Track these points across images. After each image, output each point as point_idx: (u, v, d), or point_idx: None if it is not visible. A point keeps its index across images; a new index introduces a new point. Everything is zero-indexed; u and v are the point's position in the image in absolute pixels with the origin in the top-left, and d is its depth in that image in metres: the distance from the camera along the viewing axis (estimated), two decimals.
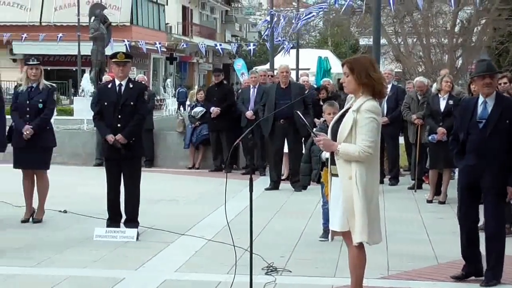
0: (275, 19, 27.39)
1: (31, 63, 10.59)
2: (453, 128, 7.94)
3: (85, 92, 24.35)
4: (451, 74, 17.12)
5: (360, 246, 6.43)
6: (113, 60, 9.91)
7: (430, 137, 12.97)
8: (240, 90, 18.68)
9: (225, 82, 18.13)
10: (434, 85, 14.00)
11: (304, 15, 26.02)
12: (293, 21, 26.36)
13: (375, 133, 6.33)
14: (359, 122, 6.31)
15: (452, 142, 8.03)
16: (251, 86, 16.37)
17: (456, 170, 14.16)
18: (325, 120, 9.89)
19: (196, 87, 46.31)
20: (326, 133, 6.64)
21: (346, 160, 6.35)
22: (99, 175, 11.39)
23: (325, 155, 8.09)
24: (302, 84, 16.31)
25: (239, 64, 34.62)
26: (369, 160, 6.33)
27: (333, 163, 6.52)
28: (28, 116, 10.54)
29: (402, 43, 29.12)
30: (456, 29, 28.46)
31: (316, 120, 14.66)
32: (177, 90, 42.73)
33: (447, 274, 8.07)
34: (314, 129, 10.95)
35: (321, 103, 15.48)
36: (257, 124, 9.99)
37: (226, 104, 16.71)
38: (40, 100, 10.56)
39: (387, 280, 7.86)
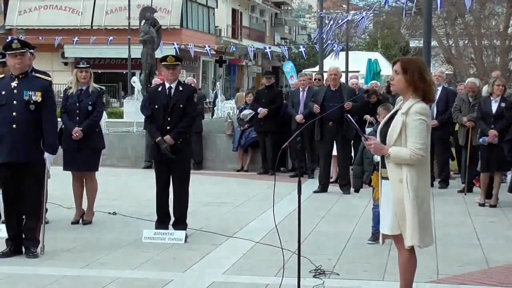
0: (327, 22, 27.33)
1: (81, 66, 10.71)
2: None
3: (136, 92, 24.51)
4: (503, 76, 16.94)
5: (411, 249, 6.38)
6: (163, 63, 9.97)
7: (481, 140, 12.82)
8: (289, 93, 18.66)
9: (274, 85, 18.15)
10: (485, 87, 13.83)
11: (355, 19, 25.94)
12: (341, 22, 26.29)
13: (425, 135, 6.25)
14: (408, 125, 6.24)
15: None
16: (301, 89, 16.31)
17: (509, 174, 14.06)
18: (378, 123, 9.83)
19: (241, 90, 46.53)
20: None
21: (396, 163, 6.29)
22: (148, 177, 11.47)
23: (377, 157, 8.05)
24: (353, 87, 16.19)
25: (288, 67, 34.62)
26: (420, 163, 6.26)
27: (384, 166, 6.46)
28: (77, 118, 10.65)
29: (453, 45, 28.90)
30: (509, 30, 28.13)
31: (367, 116, 14.60)
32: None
33: (497, 279, 7.96)
34: (368, 131, 10.91)
35: (370, 106, 15.44)
36: (306, 127, 9.94)
37: (275, 106, 16.71)
38: (90, 103, 10.67)
39: (436, 284, 7.76)
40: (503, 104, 12.76)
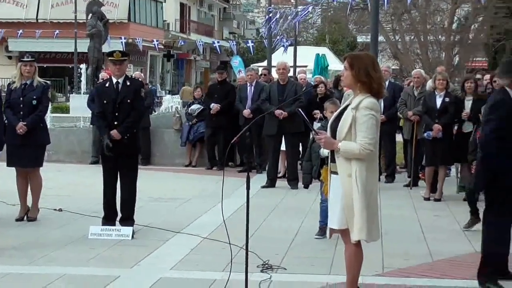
0: (273, 16, 27.36)
1: (25, 59, 10.55)
2: (493, 127, 7.31)
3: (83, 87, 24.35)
4: (447, 71, 17.14)
5: (358, 243, 6.44)
6: (110, 58, 9.90)
7: (426, 134, 12.95)
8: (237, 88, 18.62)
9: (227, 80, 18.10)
10: (429, 82, 13.99)
11: (301, 12, 26.03)
12: (289, 17, 26.36)
13: (374, 130, 6.32)
14: (358, 120, 6.31)
15: (492, 141, 7.37)
16: (248, 84, 16.28)
17: (452, 168, 14.25)
18: (326, 118, 9.88)
19: (186, 84, 46.36)
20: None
21: (346, 157, 6.34)
22: (95, 173, 11.38)
23: (324, 152, 8.08)
24: (299, 83, 16.25)
25: (236, 62, 34.65)
26: (369, 157, 6.34)
27: (333, 160, 6.51)
28: (21, 113, 10.48)
29: (399, 40, 29.17)
30: (454, 26, 28.49)
31: (317, 112, 14.69)
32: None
33: (441, 271, 8.09)
34: (316, 126, 10.96)
35: (318, 100, 15.52)
36: (254, 122, 9.96)
37: (227, 101, 16.64)
38: (34, 97, 10.51)
39: (382, 277, 7.84)
40: (447, 99, 12.91)
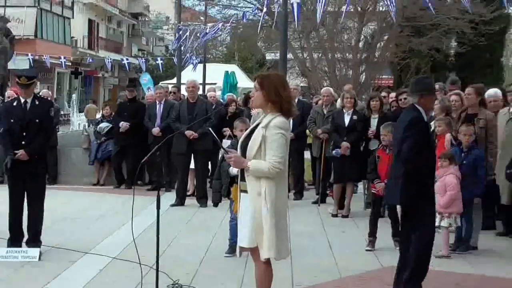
0: (183, 33, 27.36)
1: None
2: (412, 144, 7.56)
3: None
4: (354, 89, 17.44)
5: (268, 261, 6.47)
6: (17, 80, 9.74)
7: (334, 152, 13.14)
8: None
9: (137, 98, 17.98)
10: (339, 100, 14.20)
11: (210, 30, 26.11)
12: (198, 35, 26.42)
13: (284, 149, 6.37)
14: (268, 138, 6.35)
15: (413, 157, 7.61)
16: (157, 102, 16.20)
17: (359, 184, 14.47)
18: (235, 136, 9.93)
19: (90, 102, 45.77)
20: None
21: (255, 176, 6.38)
22: (1, 193, 11.14)
23: (233, 170, 8.11)
24: (209, 101, 16.29)
25: (145, 79, 34.44)
26: (278, 176, 6.38)
27: (243, 179, 6.54)
28: None
29: (308, 58, 29.48)
30: (360, 44, 28.98)
31: (226, 129, 14.76)
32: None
33: (349, 287, 8.20)
34: (226, 144, 10.99)
35: (228, 118, 15.59)
36: (164, 141, 9.95)
37: (137, 120, 16.53)
38: None
39: None
40: (355, 117, 13.14)
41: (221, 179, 9.90)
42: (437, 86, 13.74)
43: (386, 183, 8.58)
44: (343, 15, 17.53)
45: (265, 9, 19.31)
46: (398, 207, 12.02)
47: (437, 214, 9.54)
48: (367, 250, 10.23)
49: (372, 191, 10.76)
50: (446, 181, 9.80)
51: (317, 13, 17.31)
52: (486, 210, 11.01)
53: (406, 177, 7.61)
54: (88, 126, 21.85)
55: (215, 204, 10.48)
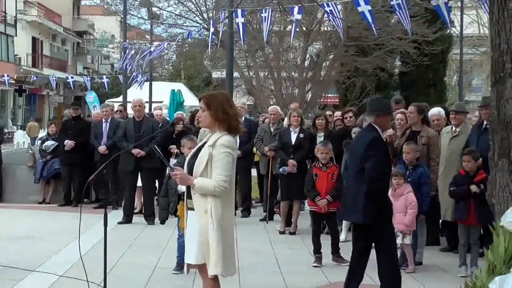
0: (128, 51, 27.30)
1: None
2: (375, 163, 7.80)
3: None
4: (301, 107, 17.59)
5: (215, 278, 6.49)
6: None
7: (281, 169, 13.24)
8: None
9: (82, 116, 17.93)
10: (286, 119, 14.32)
11: (156, 48, 26.11)
12: (144, 53, 26.39)
13: (230, 167, 6.42)
14: (214, 157, 6.39)
15: (376, 176, 7.85)
16: (103, 120, 16.19)
17: (306, 202, 14.58)
18: (183, 153, 9.97)
19: (31, 120, 45.30)
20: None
21: (202, 194, 6.42)
22: None
23: (182, 188, 8.16)
24: (156, 119, 16.31)
25: (90, 97, 34.23)
26: (225, 193, 6.41)
27: (189, 197, 6.57)
28: None
29: (254, 76, 29.61)
30: (306, 63, 29.20)
31: (173, 147, 14.81)
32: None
33: None
34: (172, 162, 11.02)
35: (174, 136, 15.63)
36: (111, 159, 9.98)
37: (82, 139, 16.48)
38: None
39: None
40: (301, 135, 13.28)
41: (168, 197, 9.93)
42: None
43: (343, 201, 8.70)
44: (292, 35, 17.65)
45: (212, 29, 19.38)
46: (345, 223, 12.27)
47: (398, 233, 9.73)
48: (314, 267, 10.33)
49: (311, 208, 10.87)
50: (408, 199, 9.96)
51: (264, 32, 17.45)
52: (430, 226, 11.21)
53: (369, 195, 7.77)
54: (33, 144, 21.66)
55: (162, 222, 10.50)
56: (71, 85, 34.62)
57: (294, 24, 17.19)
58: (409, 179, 10.23)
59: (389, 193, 9.87)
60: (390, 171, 8.12)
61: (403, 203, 9.96)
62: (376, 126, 7.90)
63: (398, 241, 9.87)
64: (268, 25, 17.13)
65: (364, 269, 8.10)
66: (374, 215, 7.80)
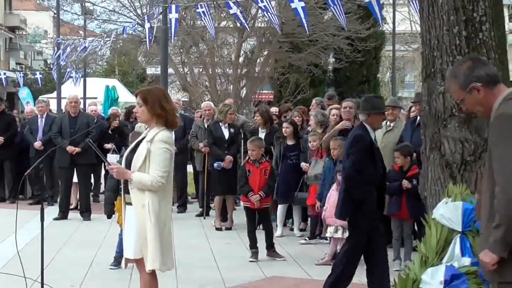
0: (63, 47, 27.05)
1: None
2: (352, 160, 7.97)
3: None
4: (235, 103, 17.69)
5: (153, 273, 6.54)
6: None
7: (216, 165, 13.28)
8: (25, 120, 18.32)
9: (7, 111, 17.76)
10: (217, 113, 14.19)
11: (89, 44, 25.96)
12: (78, 49, 26.17)
13: (168, 163, 6.47)
14: (152, 152, 6.43)
15: (353, 173, 8.01)
16: (39, 116, 16.09)
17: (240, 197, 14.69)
18: (119, 150, 9.99)
19: None
20: None
21: (139, 188, 6.46)
22: None
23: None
24: (91, 114, 16.30)
25: (24, 93, 33.83)
26: (162, 189, 6.46)
27: (127, 191, 6.61)
28: None
29: (188, 72, 29.57)
30: (240, 60, 29.26)
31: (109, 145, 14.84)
32: None
33: None
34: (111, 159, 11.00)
35: (110, 131, 15.62)
36: (47, 154, 9.95)
37: (10, 133, 16.37)
38: None
39: None
40: (232, 130, 13.41)
41: (112, 191, 9.93)
42: (314, 101, 14.18)
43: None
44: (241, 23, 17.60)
45: (148, 25, 19.32)
46: (280, 218, 12.43)
47: (339, 227, 9.92)
48: (250, 261, 10.43)
49: (245, 204, 10.95)
50: None
51: (208, 27, 17.44)
52: None
53: (345, 192, 7.93)
54: None
55: (109, 216, 10.48)
56: (3, 82, 34.04)
57: (236, 15, 17.10)
58: (338, 175, 10.39)
59: (334, 187, 10.11)
60: (377, 172, 8.13)
61: None
62: (366, 125, 8.04)
63: (339, 234, 10.06)
64: (209, 20, 17.11)
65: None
66: (348, 213, 7.96)
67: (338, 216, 8.22)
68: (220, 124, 13.53)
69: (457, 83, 4.56)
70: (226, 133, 13.43)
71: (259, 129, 13.63)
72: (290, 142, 12.63)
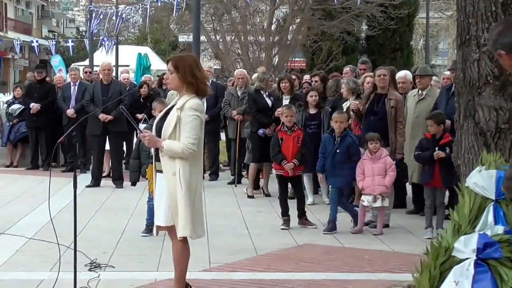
0: (95, 15, 27.08)
1: None
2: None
3: None
4: (267, 71, 17.58)
5: (184, 240, 6.56)
6: None
7: (261, 131, 13.10)
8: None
9: (47, 79, 17.85)
10: (257, 82, 14.04)
11: (122, 11, 25.98)
12: (113, 18, 26.20)
13: (198, 130, 6.46)
14: (182, 120, 6.42)
15: None
16: (72, 83, 16.15)
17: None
18: (150, 119, 9.99)
19: None
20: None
21: (170, 156, 6.46)
22: None
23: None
24: (123, 82, 16.36)
25: (56, 60, 33.96)
26: (193, 156, 6.46)
27: (158, 159, 6.62)
28: None
29: (221, 40, 29.53)
30: (273, 27, 29.16)
31: (139, 115, 14.85)
32: None
33: (265, 265, 8.36)
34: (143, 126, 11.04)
35: (142, 100, 15.63)
36: (79, 122, 10.00)
37: (47, 101, 16.43)
38: None
39: (209, 272, 8.04)
40: (271, 98, 13.30)
41: (139, 158, 9.98)
42: (347, 69, 14.05)
43: None
44: None
45: None
46: (309, 187, 12.36)
47: (378, 196, 9.91)
48: (282, 229, 10.43)
49: (277, 172, 10.89)
50: (387, 162, 10.19)
51: None
52: (397, 189, 11.35)
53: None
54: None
55: (133, 184, 10.53)
56: (36, 50, 34.20)
57: None
58: (338, 151, 10.32)
59: (366, 156, 10.09)
60: None
61: (382, 166, 10.13)
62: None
63: (378, 203, 10.04)
64: None
65: None
66: None
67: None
68: (262, 92, 13.44)
69: (489, 46, 4.53)
70: (268, 101, 13.34)
71: (283, 96, 13.45)
72: (312, 111, 12.54)
